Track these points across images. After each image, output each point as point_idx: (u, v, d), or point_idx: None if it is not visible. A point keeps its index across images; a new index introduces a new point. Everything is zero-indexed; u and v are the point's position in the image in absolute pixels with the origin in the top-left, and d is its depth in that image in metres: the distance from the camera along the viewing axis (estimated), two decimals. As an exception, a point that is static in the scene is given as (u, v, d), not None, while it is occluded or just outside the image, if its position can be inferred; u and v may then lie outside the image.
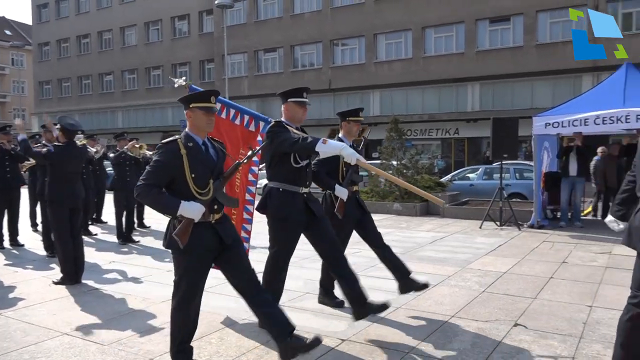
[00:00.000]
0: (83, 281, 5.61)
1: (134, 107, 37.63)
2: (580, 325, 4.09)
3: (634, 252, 7.31)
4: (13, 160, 7.65)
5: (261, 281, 3.96)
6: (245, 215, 4.50)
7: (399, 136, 12.40)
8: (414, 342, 3.73)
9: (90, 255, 6.89)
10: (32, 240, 8.35)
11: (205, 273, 3.13)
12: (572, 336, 3.86)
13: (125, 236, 8.21)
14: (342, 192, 4.22)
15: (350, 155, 3.44)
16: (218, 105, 3.89)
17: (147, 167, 3.02)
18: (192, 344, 3.73)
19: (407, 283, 4.41)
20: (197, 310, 3.19)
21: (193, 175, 2.96)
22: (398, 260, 4.49)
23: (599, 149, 11.01)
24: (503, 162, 10.24)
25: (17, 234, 8.06)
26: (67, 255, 5.55)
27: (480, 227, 9.39)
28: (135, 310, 4.62)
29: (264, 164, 4.12)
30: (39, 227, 8.59)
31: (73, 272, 5.56)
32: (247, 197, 4.55)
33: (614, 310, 4.46)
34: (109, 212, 9.83)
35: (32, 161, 8.07)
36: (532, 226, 9.39)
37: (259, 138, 4.28)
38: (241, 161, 3.18)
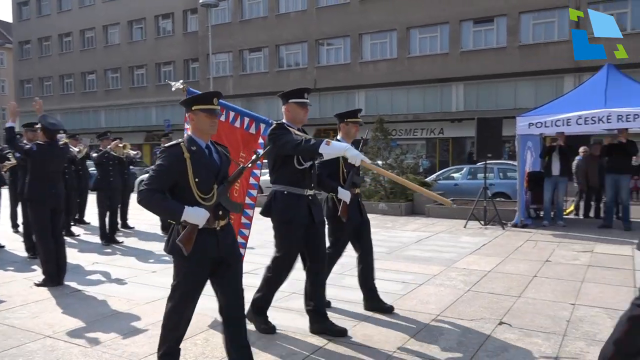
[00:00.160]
0: (65, 283, 5.53)
1: (117, 106, 37.25)
2: (564, 323, 4.14)
3: (616, 251, 7.45)
4: (-7, 160, 7.52)
5: (261, 280, 3.97)
6: (244, 220, 4.38)
7: (384, 136, 12.44)
8: (400, 342, 3.73)
9: (73, 256, 6.80)
10: (13, 241, 8.21)
11: (205, 280, 3.04)
12: (556, 334, 3.90)
13: (108, 237, 8.12)
14: (345, 195, 4.15)
15: (355, 156, 3.41)
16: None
17: (150, 172, 2.95)
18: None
19: (373, 304, 4.46)
20: (190, 316, 3.11)
21: (197, 180, 2.88)
22: (371, 278, 4.53)
23: (581, 149, 11.16)
24: (487, 161, 10.32)
25: (-3, 235, 7.91)
26: (49, 257, 5.47)
27: (464, 227, 9.46)
28: (119, 312, 4.56)
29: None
30: (20, 228, 8.45)
31: (55, 273, 5.47)
32: (248, 200, 4.44)
33: (597, 308, 4.52)
34: (91, 212, 9.71)
35: (13, 161, 7.94)
36: (515, 225, 9.49)
37: (260, 140, 4.20)
38: (245, 165, 3.10)
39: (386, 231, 9.17)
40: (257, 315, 3.96)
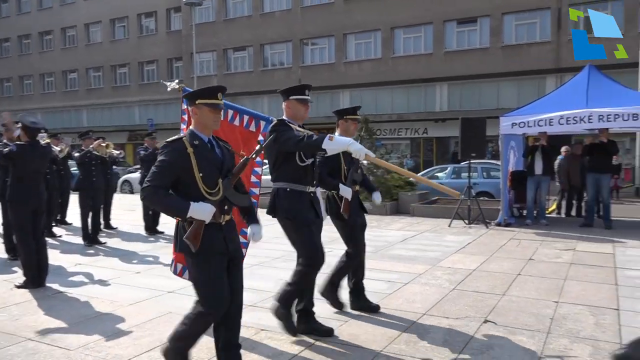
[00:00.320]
0: (47, 284, 5.44)
1: (99, 105, 36.82)
2: (548, 321, 4.18)
3: (597, 249, 7.56)
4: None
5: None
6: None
7: (369, 136, 12.47)
8: (386, 341, 3.74)
9: (55, 257, 6.70)
10: (-8, 242, 8.05)
11: (222, 271, 2.94)
12: (540, 331, 3.94)
13: (91, 237, 8.01)
14: (346, 192, 4.13)
15: (359, 151, 3.36)
16: None
17: (153, 168, 2.88)
18: (161, 346, 3.67)
19: (360, 303, 4.47)
20: (227, 303, 2.94)
21: (201, 175, 2.84)
22: (360, 276, 4.53)
23: (563, 149, 11.31)
24: (471, 161, 10.40)
25: (-24, 237, 7.76)
26: (30, 258, 5.37)
27: (449, 226, 9.52)
28: (102, 313, 4.50)
29: None
30: (0, 230, 8.30)
31: (36, 275, 5.38)
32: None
33: (579, 306, 4.58)
34: (73, 212, 9.58)
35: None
36: (499, 224, 9.58)
37: (260, 138, 4.11)
38: (249, 156, 3.05)
39: (371, 230, 9.17)
40: (287, 311, 3.80)
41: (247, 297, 4.69)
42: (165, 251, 7.35)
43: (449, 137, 25.07)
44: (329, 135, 3.38)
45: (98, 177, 8.18)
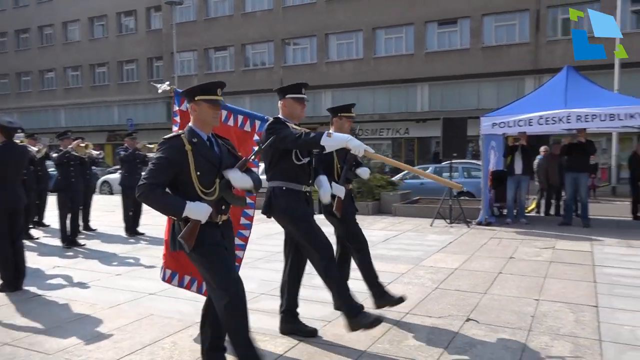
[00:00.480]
0: (24, 288, 5.33)
1: (77, 105, 36.28)
2: (529, 318, 4.23)
3: (576, 247, 7.66)
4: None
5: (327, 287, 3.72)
6: (244, 221, 4.10)
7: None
8: (370, 340, 3.74)
9: (33, 260, 6.57)
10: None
11: (227, 256, 2.89)
12: (522, 329, 3.98)
13: (70, 239, 7.88)
14: (339, 191, 4.07)
15: (358, 147, 3.29)
16: None
17: (149, 165, 2.82)
18: (143, 350, 3.62)
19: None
20: (243, 289, 2.85)
21: (198, 173, 2.78)
22: (345, 277, 4.48)
23: (542, 148, 11.48)
24: (452, 161, 10.49)
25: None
26: (7, 261, 5.26)
27: (431, 225, 9.58)
28: (82, 316, 4.42)
29: None
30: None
31: (13, 278, 5.27)
32: (247, 200, 4.28)
33: (559, 303, 4.65)
34: (51, 214, 9.42)
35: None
36: (480, 223, 9.67)
37: (256, 137, 4.04)
38: (249, 157, 3.00)
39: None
40: (355, 316, 3.56)
41: (230, 298, 4.68)
42: (146, 253, 7.26)
43: (430, 137, 25.27)
44: (326, 132, 3.33)
45: (77, 178, 8.04)
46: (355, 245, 4.31)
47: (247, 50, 30.33)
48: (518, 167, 9.85)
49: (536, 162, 11.19)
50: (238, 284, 2.83)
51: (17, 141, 5.68)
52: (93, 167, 9.32)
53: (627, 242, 7.74)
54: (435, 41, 25.59)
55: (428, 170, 14.68)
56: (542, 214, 11.46)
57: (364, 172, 4.49)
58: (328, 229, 3.98)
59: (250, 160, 3.02)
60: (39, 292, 5.23)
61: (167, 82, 4.00)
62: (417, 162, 24.41)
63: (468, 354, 3.52)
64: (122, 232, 8.87)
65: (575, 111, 8.61)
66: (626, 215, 10.80)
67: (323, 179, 3.99)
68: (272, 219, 3.78)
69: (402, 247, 7.54)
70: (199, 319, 4.18)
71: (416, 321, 4.19)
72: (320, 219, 3.83)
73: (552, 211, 11.34)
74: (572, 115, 8.61)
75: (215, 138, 3.00)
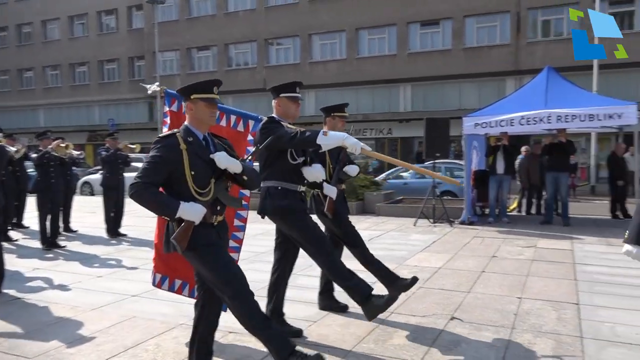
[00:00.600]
0: (3, 290, 5.22)
1: (57, 105, 35.74)
2: (512, 317, 4.27)
3: (557, 245, 7.74)
4: None
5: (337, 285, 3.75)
6: (238, 223, 4.00)
7: (335, 136, 12.49)
8: (355, 340, 3.74)
9: (11, 262, 6.45)
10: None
11: (224, 252, 2.85)
12: (505, 327, 4.02)
13: (50, 241, 7.75)
14: (331, 191, 4.04)
15: (355, 145, 3.27)
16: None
17: (143, 164, 2.74)
18: (126, 352, 3.58)
19: (328, 303, 4.47)
20: (247, 282, 2.84)
21: (193, 173, 2.72)
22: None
23: (523, 148, 11.62)
24: (435, 161, 10.56)
25: None
26: (-15, 263, 5.15)
27: (414, 225, 9.63)
28: (63, 319, 4.35)
29: None
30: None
31: (-8, 281, 5.17)
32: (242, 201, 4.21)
33: (541, 301, 4.70)
34: (30, 215, 9.25)
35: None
36: (463, 222, 9.75)
37: (250, 138, 3.97)
38: (245, 158, 2.95)
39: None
40: (370, 300, 3.64)
41: (214, 299, 4.64)
42: (128, 254, 7.18)
43: (413, 137, 25.42)
44: (322, 130, 3.29)
45: (57, 179, 7.92)
46: (351, 241, 4.28)
47: (230, 50, 30.19)
48: (500, 167, 9.95)
49: (517, 161, 11.32)
50: (238, 275, 2.80)
51: (-5, 141, 5.57)
52: (73, 168, 9.19)
53: (606, 241, 7.87)
54: (418, 42, 25.77)
55: (411, 171, 14.76)
56: (523, 213, 11.60)
57: (352, 170, 4.43)
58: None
59: (247, 159, 2.98)
60: (19, 295, 5.14)
61: (157, 83, 3.94)
62: (400, 162, 24.50)
63: (452, 352, 3.54)
64: (103, 234, 8.76)
65: (555, 111, 8.73)
66: (605, 214, 10.99)
67: (318, 167, 3.88)
68: (264, 219, 3.74)
69: (386, 246, 7.56)
70: (182, 320, 4.17)
71: (401, 320, 4.20)
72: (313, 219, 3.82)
73: (533, 210, 11.48)
74: (553, 115, 8.73)
75: (212, 137, 2.94)
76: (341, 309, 4.42)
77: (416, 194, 12.47)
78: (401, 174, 15.05)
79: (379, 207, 11.41)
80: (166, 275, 3.90)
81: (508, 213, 10.67)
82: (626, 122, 8.50)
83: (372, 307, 3.59)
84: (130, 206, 11.97)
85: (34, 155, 8.03)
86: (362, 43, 26.92)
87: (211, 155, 2.81)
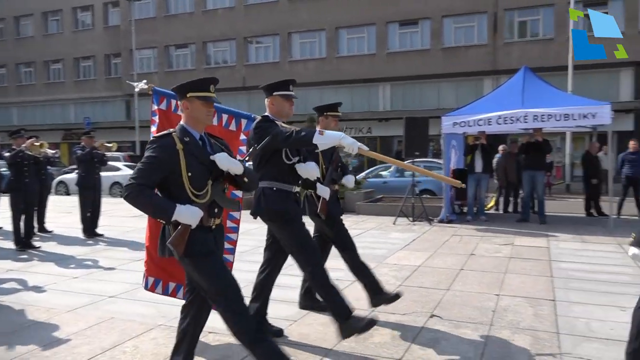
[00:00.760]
0: (-25, 293, 5.10)
1: (30, 103, 34.99)
2: (490, 313, 4.33)
3: (533, 243, 7.86)
4: None
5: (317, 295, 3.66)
6: (231, 224, 3.92)
7: (314, 135, 12.48)
8: (336, 339, 3.74)
9: (-17, 263, 6.30)
10: None
11: (220, 261, 2.77)
12: (483, 324, 4.07)
13: (24, 242, 7.58)
14: (324, 191, 3.99)
15: (352, 144, 3.19)
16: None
17: (138, 165, 2.63)
18: (103, 354, 3.52)
19: (309, 302, 4.43)
20: (240, 289, 2.77)
21: (190, 174, 2.64)
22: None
23: (500, 147, 11.77)
24: (414, 159, 10.62)
25: None
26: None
27: (394, 223, 9.69)
28: (38, 321, 4.26)
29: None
30: None
31: (-37, 283, 5.04)
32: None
33: (519, 298, 4.77)
34: (3, 216, 9.04)
35: None
36: (442, 221, 9.84)
37: (243, 137, 3.87)
38: (243, 158, 2.87)
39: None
40: (345, 321, 3.51)
41: (194, 299, 4.59)
42: (105, 254, 7.07)
43: (392, 136, 25.55)
44: (318, 129, 3.24)
45: (31, 178, 7.76)
46: (341, 244, 4.24)
47: (208, 48, 29.95)
48: (478, 166, 10.07)
49: (495, 160, 11.47)
50: (233, 286, 2.73)
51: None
52: (48, 167, 9.01)
53: (581, 238, 8.02)
54: (397, 41, 25.91)
55: (391, 169, 14.88)
56: (500, 211, 11.76)
57: (349, 181, 4.42)
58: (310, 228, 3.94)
59: (245, 161, 2.90)
60: (-9, 297, 5.02)
61: (145, 81, 3.84)
62: (378, 162, 24.62)
63: (432, 349, 3.57)
64: (79, 234, 8.61)
65: (532, 111, 8.86)
66: (580, 211, 11.21)
67: (312, 165, 3.80)
68: (255, 219, 3.67)
69: (366, 245, 7.58)
70: (161, 321, 4.13)
71: (381, 318, 4.21)
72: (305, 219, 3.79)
73: (510, 208, 11.65)
74: (529, 115, 8.87)
75: (208, 137, 2.86)
76: (322, 308, 4.41)
77: (396, 193, 12.55)
78: (380, 172, 15.12)
79: (358, 205, 11.45)
80: (159, 278, 3.82)
81: (486, 211, 10.81)
82: (600, 121, 8.69)
83: (350, 328, 3.50)
84: (107, 206, 11.80)
85: (7, 154, 7.84)
86: (342, 42, 26.97)
87: (212, 157, 2.74)
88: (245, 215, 3.76)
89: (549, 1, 22.82)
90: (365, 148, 3.32)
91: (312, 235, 3.79)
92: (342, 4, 26.09)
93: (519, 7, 23.54)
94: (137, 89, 3.75)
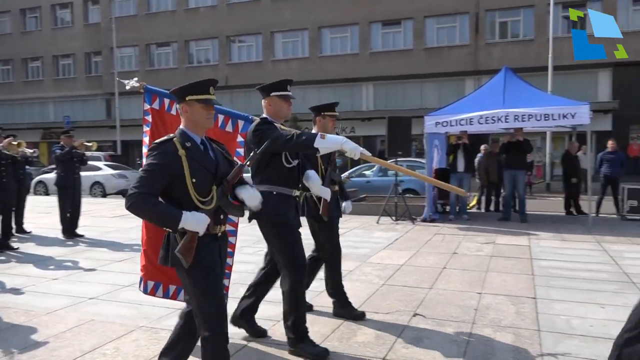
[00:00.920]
0: (-50, 295, 4.98)
1: (8, 101, 34.34)
2: (472, 312, 4.36)
3: (514, 241, 7.96)
4: None
5: (283, 304, 3.54)
6: (229, 227, 3.71)
7: (298, 134, 12.45)
8: (319, 338, 3.73)
9: (-41, 265, 6.16)
10: None
11: (222, 282, 2.68)
12: (466, 322, 4.10)
13: (1, 243, 7.42)
14: (325, 193, 3.90)
15: (354, 149, 3.11)
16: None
17: (140, 173, 2.53)
18: (83, 357, 3.47)
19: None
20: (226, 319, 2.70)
21: (194, 180, 2.54)
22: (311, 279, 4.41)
23: (482, 147, 11.89)
24: (397, 159, 10.67)
25: None
26: None
27: (377, 222, 9.72)
28: (16, 324, 4.17)
29: None
30: None
31: (-62, 285, 4.91)
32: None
33: (500, 296, 4.82)
34: (-20, 217, 8.86)
35: None
36: (424, 220, 9.90)
37: (240, 139, 3.76)
38: (245, 162, 2.78)
39: (302, 229, 9.18)
40: (302, 342, 3.48)
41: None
42: (85, 255, 6.96)
43: (375, 135, 25.63)
44: (319, 133, 3.15)
45: (8, 178, 7.59)
46: (330, 249, 4.21)
47: (190, 46, 29.72)
48: (460, 165, 10.15)
49: (477, 160, 11.58)
50: (220, 311, 2.63)
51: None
52: (27, 167, 8.85)
53: (560, 236, 8.14)
54: (380, 41, 26.01)
55: (374, 168, 14.91)
56: (482, 210, 11.87)
57: (347, 207, 4.48)
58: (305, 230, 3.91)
59: (246, 165, 2.80)
60: (-33, 299, 4.91)
61: (136, 78, 3.75)
62: (362, 161, 24.66)
63: (415, 348, 3.58)
64: (59, 235, 8.46)
65: (512, 111, 8.96)
66: (559, 210, 11.38)
67: (312, 173, 3.77)
68: (249, 223, 3.61)
69: (350, 244, 7.59)
70: (142, 322, 4.08)
71: (365, 318, 4.22)
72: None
73: (492, 207, 11.77)
74: (510, 115, 8.96)
75: (209, 142, 2.76)
76: (306, 308, 4.40)
77: (379, 192, 12.58)
78: (364, 172, 15.16)
79: (342, 205, 11.42)
80: (159, 281, 3.74)
81: (468, 210, 10.89)
82: (579, 121, 8.82)
83: (301, 349, 3.46)
84: (88, 206, 11.63)
85: (-17, 154, 7.68)
86: (325, 42, 26.98)
87: (240, 196, 2.69)
88: (249, 220, 3.65)
89: (529, 2, 23.12)
90: (368, 153, 3.26)
91: (306, 255, 3.69)
92: (325, 3, 26.10)
93: (500, 8, 23.80)
94: (127, 87, 3.65)
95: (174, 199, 2.57)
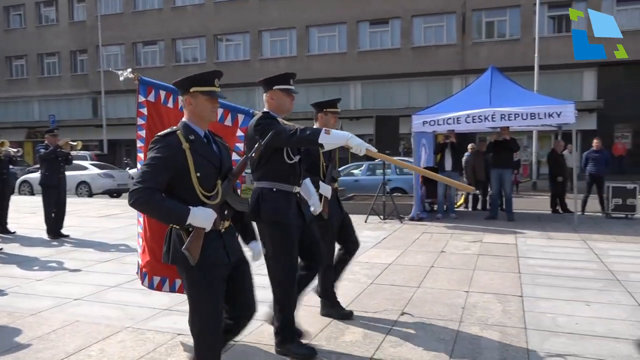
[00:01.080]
0: None
1: (-9, 100, 33.90)
2: (460, 310, 4.38)
3: (501, 240, 8.00)
4: None
5: (273, 305, 3.49)
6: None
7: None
8: (307, 338, 3.72)
9: (-59, 267, 6.05)
10: None
11: (223, 287, 2.59)
12: (453, 321, 4.11)
13: (-16, 244, 7.32)
14: (326, 190, 3.86)
15: (359, 145, 3.04)
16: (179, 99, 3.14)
17: (142, 167, 2.45)
18: (68, 359, 3.42)
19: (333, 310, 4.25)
20: (222, 331, 2.65)
21: (198, 175, 2.46)
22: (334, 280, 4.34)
23: (469, 146, 11.95)
24: (385, 158, 10.69)
25: None
26: None
27: (365, 221, 9.72)
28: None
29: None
30: None
31: None
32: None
33: (488, 294, 4.84)
34: (-37, 217, 8.72)
35: None
36: (412, 219, 9.93)
37: (240, 133, 3.68)
38: (249, 155, 2.70)
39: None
40: (290, 343, 3.42)
41: (161, 300, 4.51)
42: (70, 256, 6.88)
43: (363, 134, 25.13)
44: (324, 128, 3.07)
45: (-8, 178, 7.50)
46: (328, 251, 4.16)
47: (177, 45, 29.52)
48: (448, 164, 10.19)
49: (464, 159, 11.64)
50: (215, 321, 2.57)
51: None
52: (11, 166, 8.73)
53: (547, 235, 8.20)
54: (368, 40, 26.04)
55: (363, 167, 14.94)
56: (470, 209, 11.94)
57: (326, 190, 4.13)
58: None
59: (251, 157, 2.72)
60: (-51, 301, 4.82)
61: (130, 70, 3.69)
62: (350, 160, 24.69)
63: (403, 346, 3.59)
64: (43, 235, 8.36)
65: (499, 110, 9.02)
66: (546, 209, 11.47)
67: (308, 183, 3.65)
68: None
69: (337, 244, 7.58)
70: (128, 323, 4.04)
71: (353, 317, 4.21)
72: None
73: (479, 206, 11.84)
74: (497, 114, 9.01)
75: (212, 135, 2.69)
76: (344, 316, 4.34)
77: (367, 191, 12.59)
78: (352, 171, 15.17)
79: (330, 204, 11.42)
80: (165, 276, 3.69)
81: (455, 209, 10.95)
82: (565, 120, 8.89)
83: (287, 349, 3.42)
84: (73, 206, 11.49)
85: (-35, 153, 7.57)
86: (312, 41, 26.95)
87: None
88: None
89: (516, 2, 23.29)
90: (373, 149, 3.19)
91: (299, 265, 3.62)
92: (313, 2, 26.07)
93: (487, 8, 23.95)
94: (121, 78, 3.58)
95: (176, 194, 2.48)
